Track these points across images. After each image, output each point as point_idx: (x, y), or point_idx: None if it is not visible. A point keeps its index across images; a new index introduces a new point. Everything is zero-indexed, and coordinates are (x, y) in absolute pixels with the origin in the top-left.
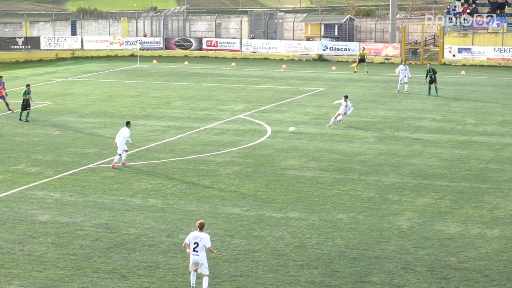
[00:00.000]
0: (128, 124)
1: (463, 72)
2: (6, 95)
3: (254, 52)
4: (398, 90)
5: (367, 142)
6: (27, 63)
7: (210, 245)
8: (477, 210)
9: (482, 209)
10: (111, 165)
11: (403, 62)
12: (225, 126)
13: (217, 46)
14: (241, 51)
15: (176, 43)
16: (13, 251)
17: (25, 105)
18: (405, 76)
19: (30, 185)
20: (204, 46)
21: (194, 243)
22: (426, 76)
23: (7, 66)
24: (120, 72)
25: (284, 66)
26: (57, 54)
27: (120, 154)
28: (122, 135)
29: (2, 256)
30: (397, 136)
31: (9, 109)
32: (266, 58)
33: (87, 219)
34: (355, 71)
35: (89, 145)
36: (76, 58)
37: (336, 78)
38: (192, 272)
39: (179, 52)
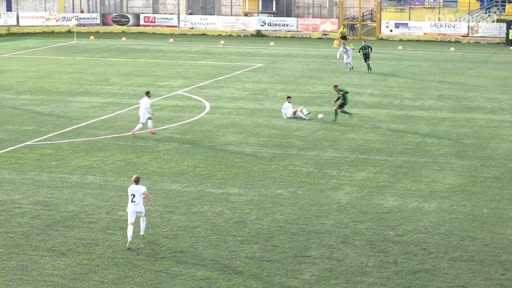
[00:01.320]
0: (147, 93)
1: (400, 47)
2: None
3: (192, 28)
4: (351, 68)
5: (305, 118)
6: None
7: (144, 191)
8: (414, 184)
9: (419, 183)
10: (132, 131)
11: (342, 44)
12: (164, 102)
13: (154, 22)
14: (179, 27)
15: (113, 19)
16: None
17: None
18: (349, 57)
19: None
20: (142, 22)
21: (131, 195)
22: (359, 52)
23: None
24: (56, 48)
25: (222, 42)
26: None
27: (142, 123)
28: (143, 105)
29: None
30: None
31: None
32: (204, 34)
33: (25, 197)
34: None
35: (26, 122)
36: (11, 34)
37: (274, 53)
38: (130, 225)
39: (116, 28)
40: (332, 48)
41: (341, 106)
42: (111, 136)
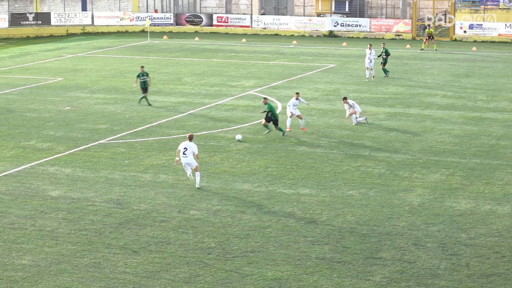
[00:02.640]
0: (297, 94)
1: (474, 48)
2: None
3: (265, 28)
4: (372, 77)
5: (378, 119)
6: (38, 38)
7: (197, 152)
8: (488, 187)
9: (493, 185)
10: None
11: (369, 45)
12: (236, 102)
13: (227, 22)
14: (251, 27)
15: (186, 19)
16: (24, 226)
17: (145, 88)
18: (371, 61)
19: (41, 160)
20: (215, 22)
21: (184, 148)
22: (380, 57)
23: (18, 42)
24: (130, 48)
25: (294, 42)
26: (67, 30)
27: (301, 117)
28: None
29: (14, 231)
30: (408, 113)
31: None
32: (276, 34)
33: (98, 195)
34: (422, 49)
35: (100, 121)
36: (86, 33)
37: (347, 54)
38: (188, 173)
39: (189, 28)
40: (405, 49)
41: (269, 120)
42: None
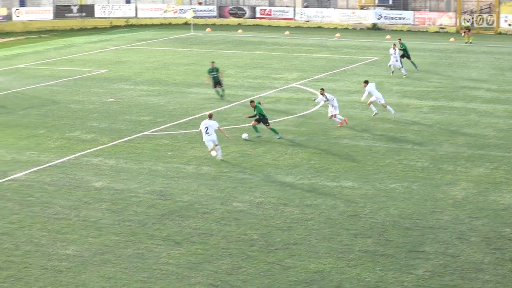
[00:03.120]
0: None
1: None
2: None
3: (308, 21)
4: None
5: (421, 112)
6: (82, 30)
7: (218, 126)
8: None
9: None
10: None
11: (392, 45)
12: (279, 95)
13: (270, 15)
14: (294, 20)
15: (229, 12)
16: (69, 216)
17: (217, 82)
18: (397, 61)
19: (85, 152)
20: (258, 15)
21: (205, 127)
22: (404, 54)
23: (62, 34)
24: (173, 40)
25: (337, 35)
26: (111, 22)
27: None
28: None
29: (59, 221)
30: (452, 106)
31: None
32: (319, 27)
33: (142, 186)
34: (466, 42)
35: (144, 112)
36: (130, 26)
37: (390, 47)
38: (211, 152)
39: (232, 20)
40: (449, 43)
41: (259, 121)
42: (226, 127)
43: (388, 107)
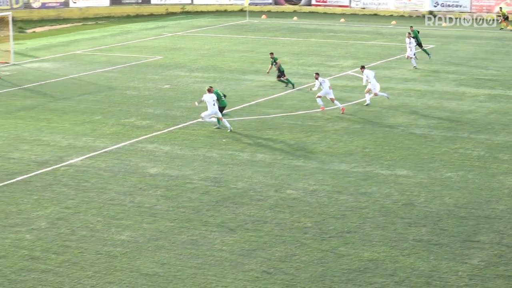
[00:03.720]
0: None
1: None
2: None
3: (364, 8)
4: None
5: (477, 100)
6: (138, 17)
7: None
8: None
9: None
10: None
11: (407, 34)
12: (334, 82)
13: (326, 2)
14: (350, 7)
15: None
16: (124, 202)
17: (282, 72)
18: (411, 50)
19: (140, 138)
20: (313, 2)
21: (213, 100)
22: (417, 42)
23: (119, 20)
24: (229, 27)
25: (393, 22)
26: (167, 9)
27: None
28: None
29: (114, 207)
30: (509, 95)
31: None
32: (375, 14)
33: (196, 173)
34: (501, 28)
35: (198, 99)
36: (186, 12)
37: (446, 35)
38: (213, 119)
39: (288, 7)
40: (507, 31)
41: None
42: (281, 114)
43: (380, 93)
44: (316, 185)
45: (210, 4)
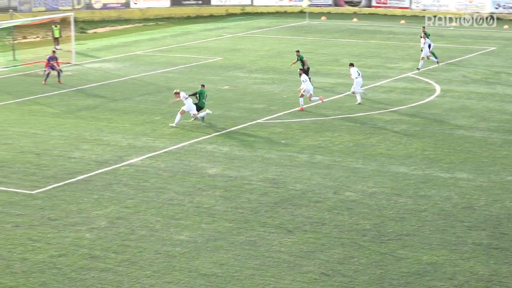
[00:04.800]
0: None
1: None
2: (61, 71)
3: (424, 10)
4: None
5: None
6: (198, 18)
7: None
8: None
9: None
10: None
11: (421, 35)
12: (393, 84)
13: (386, 3)
14: (410, 9)
15: (345, 0)
16: (183, 202)
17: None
18: (422, 50)
19: (199, 138)
20: (373, 3)
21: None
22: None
23: (179, 21)
24: (288, 28)
25: (454, 24)
26: (227, 10)
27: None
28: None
29: (173, 207)
30: None
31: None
32: (435, 16)
33: (255, 174)
34: None
35: (257, 100)
36: (245, 14)
37: (508, 37)
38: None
39: (348, 9)
40: None
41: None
42: (340, 116)
43: (357, 95)
44: (375, 187)
45: (270, 6)
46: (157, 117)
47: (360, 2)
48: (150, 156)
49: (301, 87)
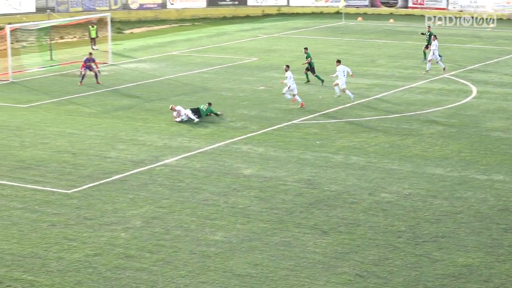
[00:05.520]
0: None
1: None
2: (99, 72)
3: (461, 11)
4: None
5: None
6: (234, 19)
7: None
8: None
9: None
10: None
11: (433, 36)
12: (430, 86)
13: (423, 4)
14: (447, 9)
15: (381, 1)
16: (218, 203)
17: (313, 69)
18: (433, 54)
19: (235, 139)
20: (410, 4)
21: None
22: (428, 42)
23: (215, 22)
24: (325, 29)
25: (491, 25)
26: (263, 10)
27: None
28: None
29: (208, 207)
30: None
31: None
32: (472, 17)
33: (290, 174)
34: None
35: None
36: (282, 14)
37: None
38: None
39: (384, 10)
40: None
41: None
42: (376, 117)
43: (347, 91)
44: (410, 189)
45: (306, 6)
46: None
47: (397, 2)
48: (185, 156)
49: (286, 81)
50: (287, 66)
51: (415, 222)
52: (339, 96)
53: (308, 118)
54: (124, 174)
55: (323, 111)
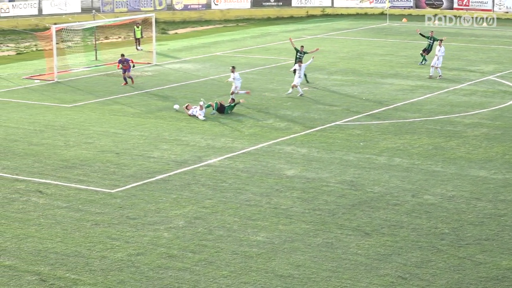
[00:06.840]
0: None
1: None
2: (133, 66)
3: (507, 12)
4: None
5: None
6: (278, 19)
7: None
8: None
9: None
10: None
11: (439, 41)
12: (474, 87)
13: (468, 6)
14: (493, 11)
15: (426, 2)
16: (260, 203)
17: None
18: (438, 59)
19: (278, 140)
20: (455, 5)
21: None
22: (429, 47)
23: (259, 23)
24: (369, 30)
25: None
26: (307, 11)
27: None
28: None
29: (250, 208)
30: None
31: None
32: None
33: (333, 176)
34: None
35: (337, 102)
36: (326, 15)
37: None
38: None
39: (429, 11)
40: None
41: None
42: (420, 119)
43: (298, 88)
44: (454, 191)
45: (351, 7)
46: (236, 118)
47: (442, 3)
48: (228, 157)
49: (230, 80)
50: (233, 67)
51: (459, 224)
52: (291, 93)
53: (352, 119)
54: (167, 174)
55: (366, 112)
